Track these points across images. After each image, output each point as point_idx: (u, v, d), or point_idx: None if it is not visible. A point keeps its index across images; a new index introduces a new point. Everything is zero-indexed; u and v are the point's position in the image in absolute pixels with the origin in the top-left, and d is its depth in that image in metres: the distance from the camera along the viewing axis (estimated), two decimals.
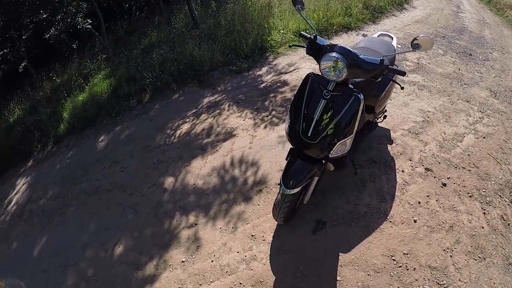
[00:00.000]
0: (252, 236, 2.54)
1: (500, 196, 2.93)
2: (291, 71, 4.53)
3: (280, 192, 2.13)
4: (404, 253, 2.43)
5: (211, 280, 2.39)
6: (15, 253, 3.32)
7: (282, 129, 3.47)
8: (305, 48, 2.17)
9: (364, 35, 5.54)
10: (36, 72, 8.79)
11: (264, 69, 4.68)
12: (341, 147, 2.03)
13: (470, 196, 2.89)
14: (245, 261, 2.41)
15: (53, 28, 5.97)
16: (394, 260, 2.38)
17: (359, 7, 6.12)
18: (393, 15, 6.74)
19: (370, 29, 5.97)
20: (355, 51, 1.97)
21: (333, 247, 2.45)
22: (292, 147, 2.20)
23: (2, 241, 3.62)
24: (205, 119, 3.86)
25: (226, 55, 4.83)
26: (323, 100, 1.96)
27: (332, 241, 2.48)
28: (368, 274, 2.31)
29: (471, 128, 3.59)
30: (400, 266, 2.35)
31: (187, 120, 3.95)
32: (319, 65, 1.96)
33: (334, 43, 2.02)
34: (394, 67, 2.11)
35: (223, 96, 4.23)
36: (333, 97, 1.97)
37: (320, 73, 2.03)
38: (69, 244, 3.07)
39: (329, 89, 1.97)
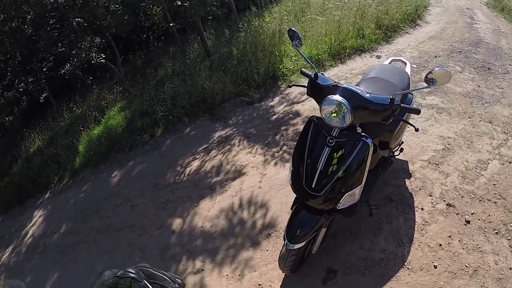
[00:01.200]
0: (259, 285, 2.43)
1: None
2: (303, 101, 4.44)
3: (284, 245, 2.01)
4: None
5: None
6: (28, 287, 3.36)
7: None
8: (306, 89, 2.07)
9: (378, 57, 5.43)
10: (57, 103, 9.17)
11: (276, 99, 4.64)
12: (349, 198, 1.88)
13: (496, 232, 2.67)
14: None
15: (68, 64, 6.20)
16: None
17: (372, 27, 6.01)
18: (407, 32, 6.58)
19: (383, 49, 5.83)
20: (361, 90, 1.81)
21: None
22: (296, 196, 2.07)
23: (17, 273, 3.75)
24: (215, 156, 3.83)
25: (237, 86, 4.83)
26: (327, 148, 1.81)
27: None
28: None
29: (495, 152, 3.37)
30: None
31: (198, 156, 3.94)
32: (320, 110, 1.82)
33: (336, 82, 1.89)
34: (407, 104, 1.96)
35: (234, 129, 4.21)
36: (338, 143, 1.82)
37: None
38: (79, 283, 3.09)
39: (333, 135, 1.82)
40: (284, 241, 1.96)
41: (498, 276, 2.40)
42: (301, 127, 3.83)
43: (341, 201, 1.86)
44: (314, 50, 5.30)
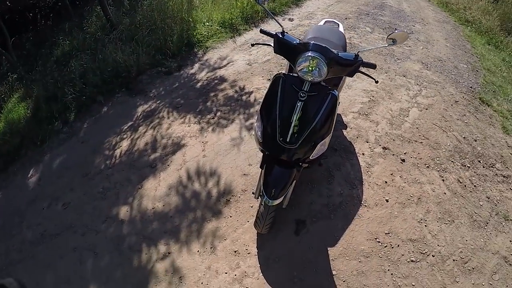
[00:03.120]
0: (235, 252, 2.40)
1: (452, 161, 3.19)
2: (225, 65, 4.38)
3: (263, 204, 2.02)
4: (385, 233, 2.53)
5: None
6: None
7: (232, 130, 3.34)
8: (268, 46, 2.07)
9: (290, 19, 5.60)
10: None
11: (196, 66, 4.44)
12: (322, 148, 1.97)
13: (427, 166, 3.09)
14: (237, 281, 2.26)
15: None
16: (379, 241, 2.48)
17: None
18: None
19: (295, 12, 6.05)
20: (329, 47, 1.88)
21: (320, 243, 2.44)
22: (265, 154, 2.07)
23: None
24: (145, 132, 3.53)
25: (152, 56, 4.48)
26: (300, 102, 1.86)
27: (317, 238, 2.47)
28: (360, 261, 2.37)
29: (413, 101, 3.84)
30: (385, 246, 2.46)
31: (125, 136, 3.58)
32: (294, 65, 1.87)
33: (303, 40, 1.95)
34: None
35: (158, 102, 3.92)
36: (309, 97, 1.88)
37: (291, 73, 1.96)
38: None
39: (305, 89, 1.88)
40: (262, 199, 1.97)
41: (437, 200, 2.82)
42: (230, 92, 3.81)
43: (314, 151, 1.94)
44: (227, 15, 5.24)
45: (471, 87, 4.34)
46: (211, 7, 5.47)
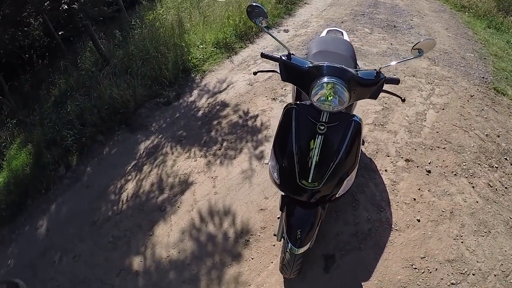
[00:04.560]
0: None
1: (479, 164, 2.97)
2: (225, 89, 4.19)
3: (288, 251, 1.80)
4: (421, 257, 2.32)
5: None
6: None
7: (241, 161, 3.12)
8: (274, 73, 1.82)
9: (286, 31, 5.42)
10: None
11: (195, 93, 4.23)
12: (348, 183, 1.72)
13: (455, 174, 2.87)
14: None
15: None
16: (415, 268, 2.26)
17: (272, 2, 6.02)
18: (306, 3, 6.75)
19: (289, 23, 5.86)
20: (345, 67, 1.62)
21: (353, 278, 2.23)
22: (285, 195, 1.85)
23: None
24: (150, 171, 3.34)
25: (149, 87, 4.31)
26: (320, 136, 1.61)
27: (349, 273, 2.26)
28: None
29: (428, 103, 3.62)
30: (423, 272, 2.24)
31: (129, 177, 3.40)
32: (308, 94, 1.60)
33: (314, 62, 1.67)
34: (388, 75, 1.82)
35: (160, 136, 3.73)
36: (329, 129, 1.62)
37: (304, 102, 1.72)
38: None
39: (324, 120, 1.62)
40: (287, 246, 1.75)
41: (470, 211, 2.60)
42: (234, 118, 3.60)
43: (341, 188, 1.70)
44: (220, 34, 5.06)
45: (483, 77, 4.11)
46: (203, 28, 5.31)
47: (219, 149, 3.29)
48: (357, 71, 1.64)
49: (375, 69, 1.65)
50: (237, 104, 3.78)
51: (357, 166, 1.73)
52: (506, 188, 2.80)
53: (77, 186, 3.61)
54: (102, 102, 4.14)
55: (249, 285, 2.27)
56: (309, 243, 1.73)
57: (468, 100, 3.65)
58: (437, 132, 3.23)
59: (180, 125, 3.72)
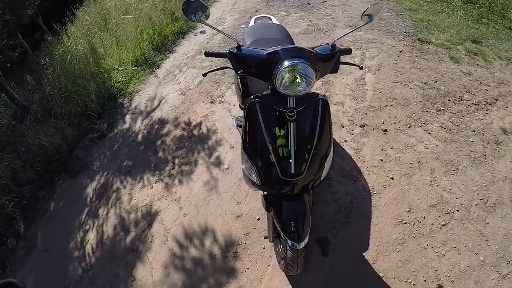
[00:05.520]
0: None
1: (427, 111, 3.31)
2: (158, 105, 4.06)
3: (289, 249, 1.82)
4: (407, 211, 2.54)
5: None
6: None
7: (200, 173, 3.07)
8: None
9: (202, 32, 5.47)
10: None
11: (128, 119, 4.05)
12: (329, 164, 1.78)
13: (409, 126, 3.16)
14: None
15: None
16: (406, 222, 2.48)
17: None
18: (215, 1, 6.85)
19: (203, 24, 5.87)
20: (304, 47, 1.65)
21: (353, 253, 2.36)
22: (267, 194, 1.87)
23: None
24: (107, 213, 3.13)
25: (78, 125, 4.05)
26: (292, 123, 1.60)
27: (347, 249, 2.38)
28: (399, 251, 2.34)
29: (364, 66, 3.89)
30: (413, 224, 2.47)
31: (87, 227, 3.15)
32: (274, 82, 1.57)
33: (272, 48, 1.65)
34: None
35: (105, 173, 3.50)
36: (299, 114, 1.62)
37: (266, 93, 1.73)
38: None
39: (292, 106, 1.62)
40: (286, 244, 1.76)
41: (435, 155, 2.91)
42: (177, 132, 3.55)
43: (323, 171, 1.75)
44: (137, 52, 4.93)
45: (405, 32, 4.57)
46: (118, 50, 5.12)
47: (173, 168, 3.20)
48: (312, 48, 1.70)
49: (327, 43, 1.73)
50: (176, 118, 3.71)
51: (332, 146, 1.78)
52: (457, 125, 3.16)
53: (34, 253, 3.24)
54: (33, 154, 3.79)
55: None
56: (307, 235, 1.75)
57: (398, 56, 4.02)
58: (380, 92, 3.52)
59: (122, 155, 3.55)
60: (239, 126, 2.83)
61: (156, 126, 3.72)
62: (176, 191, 3.00)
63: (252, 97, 1.71)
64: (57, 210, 3.35)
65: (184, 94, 4.02)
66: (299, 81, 1.54)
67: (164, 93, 4.17)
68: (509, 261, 2.30)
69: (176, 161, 3.26)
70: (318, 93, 1.71)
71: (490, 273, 2.24)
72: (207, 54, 1.84)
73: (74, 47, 5.39)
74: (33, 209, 3.41)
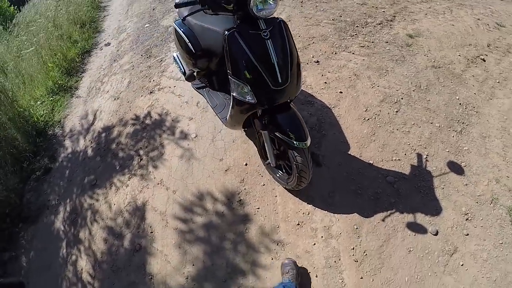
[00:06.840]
0: (311, 229, 2.36)
1: (344, 39, 3.80)
2: (95, 118, 3.85)
3: (297, 154, 2.02)
4: (365, 111, 2.97)
5: None
6: None
7: (171, 151, 3.05)
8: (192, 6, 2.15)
9: (107, 44, 5.30)
10: None
11: (68, 143, 3.73)
12: (302, 72, 2.09)
13: (335, 53, 3.64)
14: (327, 237, 2.28)
15: None
16: (368, 119, 2.92)
17: (77, 28, 5.80)
18: (106, 16, 6.64)
19: (106, 37, 5.60)
20: None
21: (339, 157, 2.66)
22: (259, 116, 2.11)
23: None
24: (91, 232, 2.83)
25: (19, 171, 3.56)
26: (268, 41, 1.86)
27: (332, 156, 2.67)
28: (374, 140, 2.75)
29: None
30: (374, 118, 2.91)
31: (73, 256, 2.64)
32: (248, 6, 1.76)
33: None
34: None
35: (68, 201, 3.17)
36: (271, 33, 1.88)
37: (236, 22, 1.92)
38: None
39: (264, 27, 1.87)
40: (291, 144, 1.96)
41: (365, 67, 3.41)
42: (129, 129, 3.48)
43: (300, 81, 2.05)
44: (49, 82, 4.61)
45: None
46: (29, 87, 4.66)
47: (141, 160, 3.11)
48: None
49: None
50: (120, 119, 3.58)
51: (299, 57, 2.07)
52: (372, 42, 3.72)
53: None
54: None
55: (278, 227, 2.38)
56: (308, 134, 2.01)
57: (302, 6, 4.46)
58: (299, 36, 3.91)
59: (79, 176, 3.28)
60: (199, 88, 2.93)
61: (104, 134, 3.54)
62: (154, 176, 2.93)
63: (227, 29, 1.91)
64: (31, 263, 2.90)
65: (118, 98, 3.89)
66: (271, 2, 1.79)
67: (95, 106, 3.98)
68: (458, 120, 2.83)
69: (141, 152, 3.18)
70: (278, 17, 1.97)
71: (449, 133, 2.74)
72: (177, 6, 1.97)
73: None
74: (4, 276, 2.92)
